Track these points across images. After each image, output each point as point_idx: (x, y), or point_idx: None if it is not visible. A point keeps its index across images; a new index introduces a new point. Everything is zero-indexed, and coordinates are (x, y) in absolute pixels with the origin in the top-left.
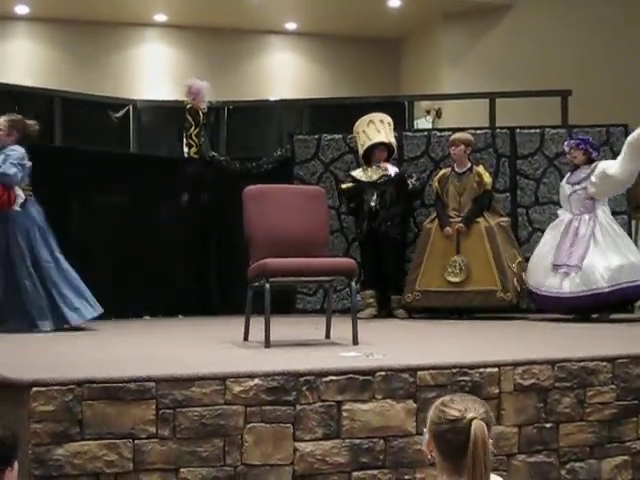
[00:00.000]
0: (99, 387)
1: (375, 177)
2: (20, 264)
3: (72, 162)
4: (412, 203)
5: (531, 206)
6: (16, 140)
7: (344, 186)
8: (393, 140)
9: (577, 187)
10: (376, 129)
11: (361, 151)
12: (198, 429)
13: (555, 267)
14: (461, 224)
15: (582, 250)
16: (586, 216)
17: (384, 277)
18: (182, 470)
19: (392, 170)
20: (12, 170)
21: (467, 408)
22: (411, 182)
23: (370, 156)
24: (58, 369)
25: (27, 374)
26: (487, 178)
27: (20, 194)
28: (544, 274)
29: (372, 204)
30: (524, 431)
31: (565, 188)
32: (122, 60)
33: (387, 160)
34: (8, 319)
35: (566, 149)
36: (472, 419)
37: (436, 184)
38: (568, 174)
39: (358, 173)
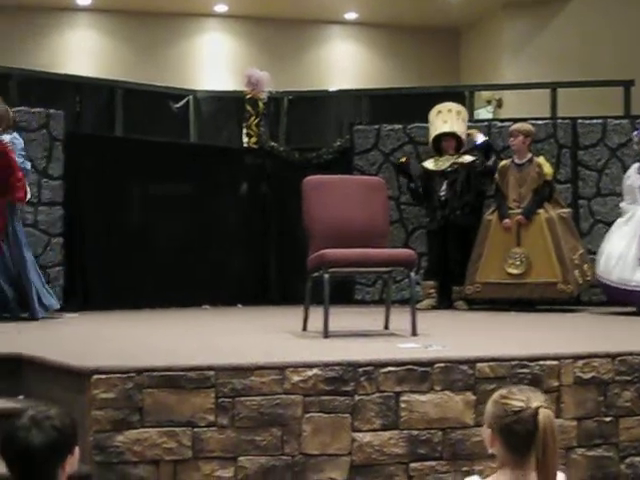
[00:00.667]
0: (159, 375)
1: (445, 166)
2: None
3: (133, 152)
4: (485, 184)
5: (593, 197)
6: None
7: (398, 161)
8: (459, 129)
9: None
10: (442, 119)
11: (430, 141)
12: (257, 418)
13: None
14: (521, 216)
15: None
16: None
17: (449, 267)
18: (240, 458)
19: (466, 158)
20: (28, 164)
21: (529, 397)
22: (478, 139)
23: (440, 145)
24: (119, 357)
25: (88, 362)
26: (548, 169)
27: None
28: (631, 269)
29: (441, 194)
30: (583, 425)
31: (633, 179)
32: (183, 50)
33: (458, 149)
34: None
35: (635, 139)
36: (538, 407)
37: (496, 175)
38: (637, 165)
39: (429, 164)
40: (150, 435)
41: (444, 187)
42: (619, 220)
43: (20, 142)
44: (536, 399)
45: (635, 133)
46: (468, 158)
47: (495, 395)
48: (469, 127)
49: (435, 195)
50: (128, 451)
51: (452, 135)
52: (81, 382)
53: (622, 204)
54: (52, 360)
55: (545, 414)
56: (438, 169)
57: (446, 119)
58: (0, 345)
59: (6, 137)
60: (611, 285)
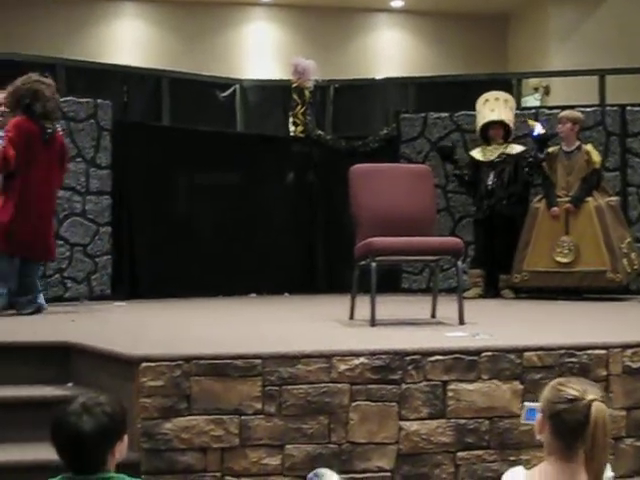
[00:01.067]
0: (207, 363)
1: (492, 156)
2: None
3: (180, 141)
4: (532, 175)
5: None
6: None
7: (441, 144)
8: (506, 117)
9: None
10: (490, 107)
11: (478, 130)
12: (304, 406)
13: None
14: (570, 204)
15: None
16: None
17: (496, 256)
18: (287, 446)
19: (515, 148)
20: None
21: (585, 390)
22: (537, 154)
23: (487, 134)
24: (167, 345)
25: (137, 350)
26: (596, 157)
27: None
28: None
29: (489, 183)
30: (632, 414)
31: None
32: (229, 40)
33: (505, 137)
34: None
35: None
36: (592, 400)
37: (544, 163)
38: None
39: (477, 153)
40: (198, 423)
41: (491, 177)
42: None
43: None
44: (593, 393)
45: None
46: (517, 148)
47: (553, 381)
48: (526, 117)
49: (482, 185)
50: (176, 438)
51: (500, 123)
52: (129, 370)
53: None
54: (101, 348)
55: (599, 407)
56: (486, 159)
57: (494, 107)
58: (49, 333)
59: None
60: None
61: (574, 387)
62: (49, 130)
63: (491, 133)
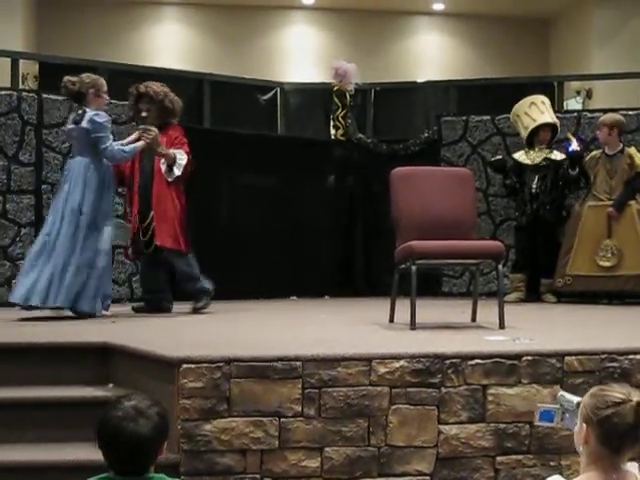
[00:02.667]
0: (246, 365)
1: (538, 160)
2: None
3: (221, 144)
4: (568, 190)
5: None
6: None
7: (493, 159)
8: (557, 120)
9: None
10: (539, 110)
11: (525, 133)
12: (343, 409)
13: None
14: (611, 209)
15: None
16: None
17: (537, 260)
18: (327, 449)
19: (557, 155)
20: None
21: (630, 392)
22: (569, 170)
23: (533, 138)
24: (207, 347)
25: (177, 351)
26: (639, 160)
27: None
28: None
29: (533, 186)
30: None
31: None
32: (269, 43)
33: (550, 142)
34: None
35: None
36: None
37: (588, 161)
38: None
39: (520, 156)
40: (237, 424)
41: (536, 181)
42: None
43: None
44: (637, 395)
45: None
46: (559, 155)
47: (593, 389)
48: (567, 120)
49: (526, 188)
50: (215, 440)
51: (550, 127)
52: (169, 371)
53: None
54: (141, 349)
55: None
56: (532, 162)
57: (543, 110)
58: (90, 334)
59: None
60: None
61: (618, 390)
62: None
63: (541, 136)
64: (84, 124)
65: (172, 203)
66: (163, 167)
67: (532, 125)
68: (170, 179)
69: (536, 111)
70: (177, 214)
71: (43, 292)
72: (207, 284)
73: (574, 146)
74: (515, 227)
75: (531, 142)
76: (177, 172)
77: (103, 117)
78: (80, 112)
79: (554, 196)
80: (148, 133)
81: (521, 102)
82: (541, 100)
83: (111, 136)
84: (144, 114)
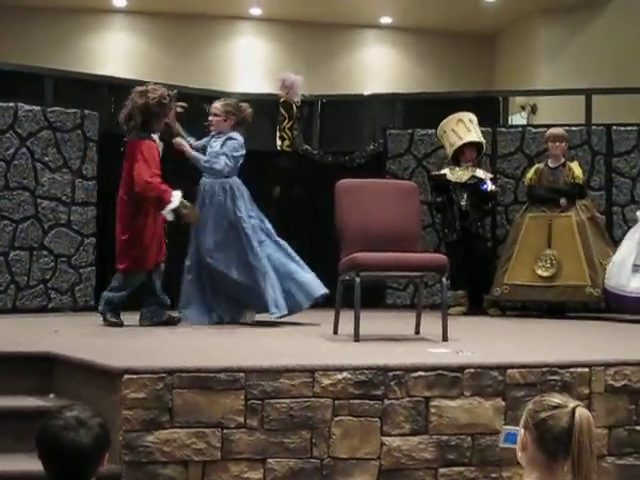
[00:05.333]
0: (189, 376)
1: (465, 178)
2: None
3: (167, 153)
4: (485, 205)
5: (627, 205)
6: (233, 125)
7: (435, 173)
8: (483, 139)
9: None
10: (466, 128)
11: (451, 150)
12: (286, 420)
13: (636, 267)
14: (562, 200)
15: None
16: None
17: (476, 277)
18: (269, 461)
19: (480, 171)
20: (220, 165)
21: (568, 399)
22: (488, 185)
23: (458, 156)
24: (150, 358)
25: (119, 362)
26: (578, 172)
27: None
28: (627, 276)
29: (462, 204)
30: (614, 433)
31: None
32: (217, 53)
33: (475, 159)
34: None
35: None
36: (576, 406)
37: (531, 175)
38: None
39: (447, 172)
40: (179, 436)
41: (465, 198)
42: (632, 229)
43: (234, 142)
44: (574, 402)
45: None
46: (481, 173)
47: (535, 397)
48: (512, 135)
49: (455, 206)
50: (157, 451)
51: (475, 146)
52: (112, 382)
53: (638, 212)
54: (83, 359)
55: (583, 413)
56: (459, 180)
57: (470, 128)
58: (32, 344)
59: (237, 136)
60: (610, 290)
61: (557, 397)
62: (124, 139)
63: (467, 154)
64: None
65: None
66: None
67: (458, 143)
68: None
69: (463, 129)
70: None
71: None
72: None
73: (489, 186)
74: (446, 244)
75: (456, 159)
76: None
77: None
78: None
79: (483, 212)
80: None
81: (449, 118)
82: (469, 118)
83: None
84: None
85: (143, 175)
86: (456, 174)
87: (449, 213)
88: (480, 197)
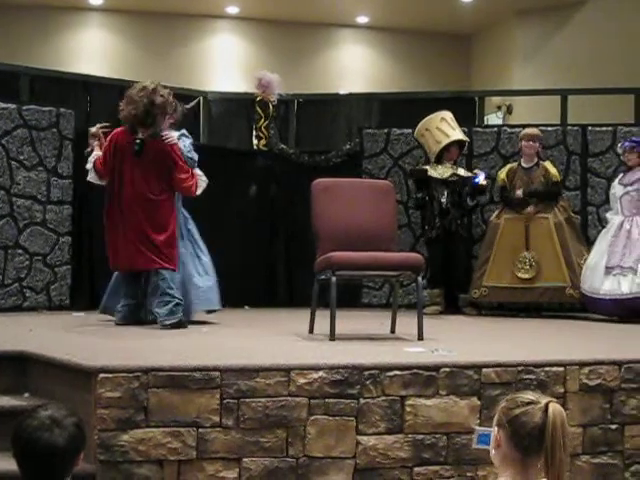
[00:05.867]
0: (165, 375)
1: (446, 175)
2: None
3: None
4: (477, 200)
5: (601, 205)
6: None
7: (415, 167)
8: (466, 138)
9: (630, 188)
10: (450, 126)
11: (437, 148)
12: (261, 420)
13: (608, 269)
14: (530, 208)
15: (637, 252)
16: (638, 218)
17: (453, 276)
18: (245, 460)
19: (461, 170)
20: (195, 155)
21: (540, 396)
22: (467, 200)
23: (442, 154)
24: (125, 357)
25: (94, 361)
26: (554, 171)
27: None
28: (600, 279)
29: (443, 201)
30: (589, 432)
31: (617, 189)
32: (193, 51)
33: (458, 157)
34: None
35: (619, 151)
36: (549, 402)
37: (503, 176)
38: (620, 175)
39: (429, 169)
40: (155, 435)
41: (446, 195)
42: (603, 231)
43: (189, 139)
44: (547, 399)
45: (619, 145)
46: (464, 172)
47: (508, 395)
48: (488, 135)
49: (435, 202)
50: (133, 450)
51: (458, 144)
52: (87, 381)
53: (607, 214)
54: (58, 358)
55: (556, 409)
56: (441, 177)
57: (453, 127)
58: (6, 343)
59: (174, 134)
60: (584, 294)
61: (530, 395)
62: (137, 140)
63: (451, 152)
64: None
65: None
66: None
67: (446, 141)
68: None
69: (447, 127)
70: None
71: None
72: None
73: (481, 178)
74: (426, 241)
75: (439, 157)
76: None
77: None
78: None
79: (463, 210)
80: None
81: (431, 116)
82: (450, 116)
83: None
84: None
85: (189, 180)
86: (438, 170)
87: (429, 210)
88: (465, 192)
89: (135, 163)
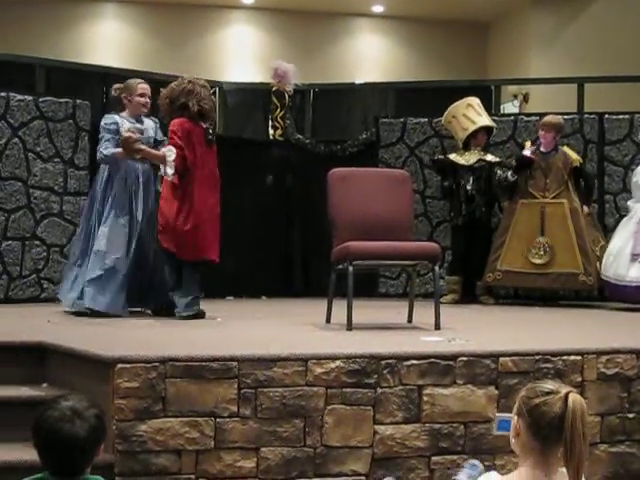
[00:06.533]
0: (182, 365)
1: (472, 161)
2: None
3: None
4: (498, 194)
5: (619, 193)
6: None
7: (436, 157)
8: (494, 123)
9: None
10: (477, 112)
11: (464, 135)
12: (279, 409)
13: (634, 256)
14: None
15: None
16: None
17: (473, 263)
18: (262, 449)
19: (489, 155)
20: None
21: (560, 386)
22: (507, 174)
23: (469, 140)
24: (143, 347)
25: (112, 351)
26: (574, 155)
27: None
28: (625, 266)
29: (468, 188)
30: (607, 421)
31: (638, 176)
32: (209, 42)
33: (486, 143)
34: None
35: (639, 139)
36: (569, 392)
37: (529, 144)
38: None
39: (455, 157)
40: (172, 425)
41: (471, 181)
42: (624, 219)
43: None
44: (567, 388)
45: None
46: (492, 157)
47: (529, 384)
48: (504, 123)
49: (461, 189)
50: (150, 440)
51: (486, 130)
52: (105, 371)
53: (629, 202)
54: (76, 348)
55: (576, 398)
56: (467, 163)
57: (480, 112)
58: (24, 333)
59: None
60: (609, 281)
61: (550, 384)
62: (210, 130)
63: (479, 138)
64: None
65: (165, 204)
66: (161, 169)
67: (472, 127)
68: (169, 178)
69: (474, 113)
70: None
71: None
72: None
73: (528, 151)
74: (452, 227)
75: (467, 144)
76: (169, 170)
77: (106, 119)
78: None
79: (488, 197)
80: (127, 140)
81: (457, 103)
82: (477, 102)
83: (108, 137)
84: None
85: None
86: (464, 157)
87: (455, 197)
88: (515, 166)
89: (205, 152)
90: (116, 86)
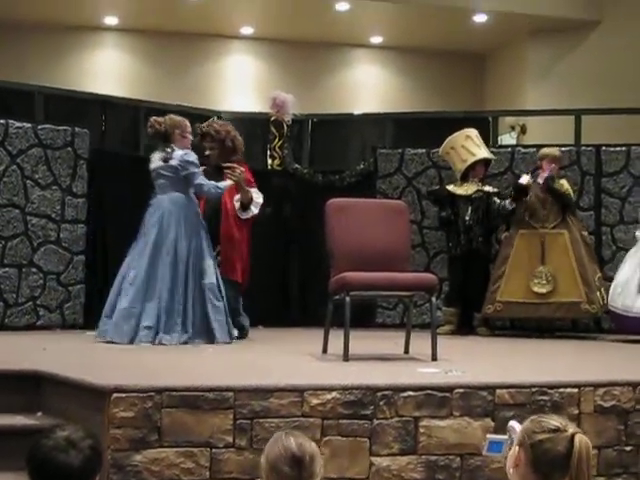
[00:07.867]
0: (178, 395)
1: (471, 191)
2: None
3: None
4: (497, 224)
5: (615, 225)
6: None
7: (433, 188)
8: (493, 155)
9: None
10: (475, 144)
11: (463, 166)
12: None
13: None
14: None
15: None
16: None
17: (470, 294)
18: None
19: (488, 187)
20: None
21: (567, 423)
22: (504, 203)
23: (468, 172)
24: (139, 376)
25: (108, 380)
26: (567, 185)
27: None
28: (632, 296)
29: (467, 218)
30: (603, 453)
31: None
32: (208, 72)
33: (484, 175)
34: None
35: None
36: (575, 433)
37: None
38: None
39: (453, 187)
40: (168, 455)
41: (469, 212)
42: (632, 249)
43: None
44: (574, 427)
45: None
46: (490, 188)
47: (534, 416)
48: (501, 155)
49: (459, 220)
50: (146, 470)
51: (484, 162)
52: (100, 400)
53: (637, 232)
54: (72, 377)
55: (583, 440)
56: (465, 193)
57: (478, 144)
58: (20, 361)
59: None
60: (616, 312)
61: (556, 420)
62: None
63: (477, 170)
64: (173, 162)
65: (239, 239)
66: (237, 204)
67: (471, 159)
68: (243, 217)
69: (473, 145)
70: (242, 249)
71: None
72: (245, 321)
73: (526, 179)
74: (449, 258)
75: (465, 175)
76: (255, 210)
77: (192, 156)
78: (169, 150)
79: (486, 228)
80: (233, 171)
81: (456, 135)
82: (475, 134)
83: (200, 172)
84: (207, 152)
85: None
86: (462, 188)
87: (454, 228)
88: (511, 192)
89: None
90: (162, 119)
